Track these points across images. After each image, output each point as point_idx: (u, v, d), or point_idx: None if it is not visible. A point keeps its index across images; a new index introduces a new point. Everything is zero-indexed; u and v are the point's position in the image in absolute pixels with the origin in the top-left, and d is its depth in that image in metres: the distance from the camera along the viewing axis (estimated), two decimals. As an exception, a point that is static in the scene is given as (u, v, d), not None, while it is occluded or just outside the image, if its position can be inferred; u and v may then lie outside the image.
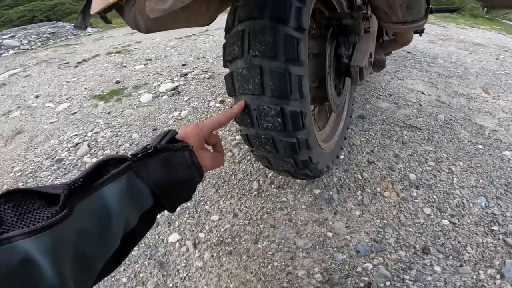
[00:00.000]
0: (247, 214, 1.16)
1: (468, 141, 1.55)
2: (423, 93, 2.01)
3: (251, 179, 1.30)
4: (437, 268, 0.98)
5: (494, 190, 1.26)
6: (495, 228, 1.10)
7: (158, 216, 1.07)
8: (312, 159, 0.89)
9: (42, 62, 3.15)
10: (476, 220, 1.13)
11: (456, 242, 1.05)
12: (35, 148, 1.64)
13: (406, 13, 0.80)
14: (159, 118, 1.74)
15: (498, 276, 0.95)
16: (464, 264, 0.99)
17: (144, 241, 1.09)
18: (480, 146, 1.52)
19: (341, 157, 1.38)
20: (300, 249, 1.04)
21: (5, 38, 5.10)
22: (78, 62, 2.96)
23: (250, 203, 1.20)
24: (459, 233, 1.08)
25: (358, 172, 1.32)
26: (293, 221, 1.13)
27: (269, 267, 0.99)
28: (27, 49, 4.43)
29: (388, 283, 0.95)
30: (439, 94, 2.01)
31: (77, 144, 1.61)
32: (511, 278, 0.95)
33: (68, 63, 3.00)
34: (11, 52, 4.43)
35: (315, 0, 0.84)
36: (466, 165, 1.39)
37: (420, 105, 1.84)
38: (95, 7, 0.63)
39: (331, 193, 1.22)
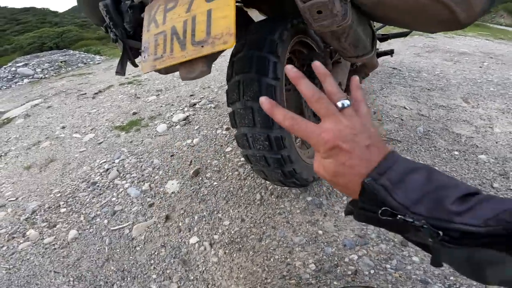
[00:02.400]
0: (252, 219, 1.39)
1: (444, 149, 1.73)
2: (405, 108, 2.22)
3: (255, 191, 1.54)
4: (415, 259, 1.16)
5: (467, 190, 1.42)
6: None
7: (180, 224, 1.37)
8: (296, 170, 1.14)
9: (60, 93, 3.40)
10: (449, 217, 1.29)
11: (432, 237, 1.22)
12: (69, 174, 1.87)
13: (355, 50, 1.02)
14: (175, 146, 2.00)
15: None
16: None
17: (169, 244, 1.33)
18: (456, 153, 1.70)
19: (329, 169, 1.57)
20: (297, 245, 1.26)
21: (19, 66, 5.30)
22: (95, 93, 3.22)
23: (254, 210, 1.43)
24: (433, 229, 1.25)
25: (343, 181, 1.50)
26: (290, 223, 1.35)
27: (272, 259, 1.22)
28: (41, 77, 4.63)
29: (372, 271, 1.14)
30: (420, 108, 2.21)
31: (107, 169, 1.86)
32: None
33: (85, 94, 3.26)
34: (25, 81, 4.62)
35: (289, 49, 1.12)
36: (441, 170, 1.56)
37: (402, 120, 2.05)
38: (144, 69, 0.89)
39: (321, 199, 1.43)
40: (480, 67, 3.31)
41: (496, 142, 1.79)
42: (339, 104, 0.42)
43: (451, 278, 1.08)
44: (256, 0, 1.32)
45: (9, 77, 4.98)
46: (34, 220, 1.56)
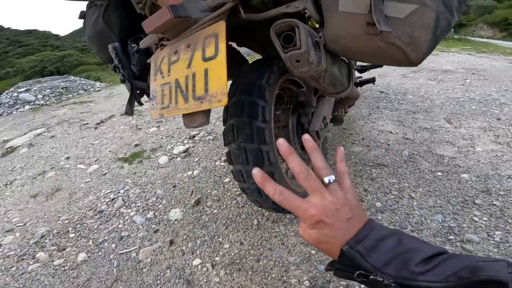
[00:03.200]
0: (250, 242, 1.48)
1: (428, 170, 1.84)
2: (391, 132, 2.34)
3: (252, 217, 1.63)
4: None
5: (450, 207, 1.53)
6: (451, 237, 1.36)
7: (184, 247, 1.45)
8: None
9: (63, 122, 3.49)
10: (434, 232, 1.39)
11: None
12: (76, 203, 1.95)
13: (333, 88, 1.12)
14: (176, 177, 2.10)
15: None
16: None
17: (174, 266, 1.41)
18: (439, 173, 1.80)
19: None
20: (292, 264, 1.34)
21: (21, 92, 5.34)
22: (97, 123, 3.32)
23: (252, 234, 1.52)
24: (420, 246, 1.33)
25: (334, 204, 1.59)
26: (285, 244, 1.44)
27: (269, 278, 1.29)
28: (42, 104, 4.64)
29: (363, 286, 1.19)
30: (406, 131, 2.34)
31: (113, 199, 1.95)
32: None
33: (87, 124, 3.36)
34: (27, 107, 4.63)
35: (277, 89, 1.25)
36: (425, 190, 1.66)
37: (388, 145, 2.16)
38: (153, 116, 1.02)
39: (313, 223, 1.50)
40: (463, 84, 3.43)
41: (478, 161, 1.90)
42: (326, 180, 0.49)
43: None
44: (247, 42, 1.44)
45: (10, 103, 5.01)
46: (44, 243, 1.62)
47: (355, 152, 2.11)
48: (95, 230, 1.70)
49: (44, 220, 1.81)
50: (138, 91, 1.36)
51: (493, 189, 1.63)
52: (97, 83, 7.01)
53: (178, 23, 0.88)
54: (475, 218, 1.44)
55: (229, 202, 1.77)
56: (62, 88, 5.65)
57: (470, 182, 1.70)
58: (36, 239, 1.66)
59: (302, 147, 1.48)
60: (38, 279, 1.43)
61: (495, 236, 1.33)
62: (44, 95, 5.30)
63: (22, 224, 1.80)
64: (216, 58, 0.84)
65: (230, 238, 1.52)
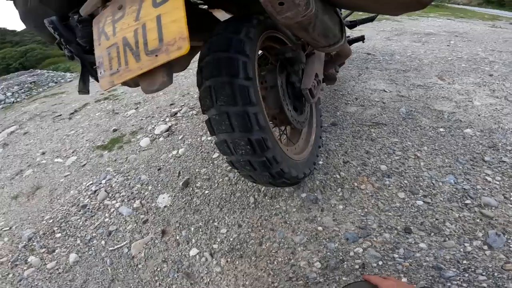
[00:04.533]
0: (249, 223, 1.31)
1: (430, 127, 1.68)
2: (385, 91, 2.16)
3: (248, 195, 1.44)
4: (422, 245, 1.09)
5: (460, 167, 1.37)
6: (468, 202, 1.21)
7: (177, 237, 1.29)
8: (283, 170, 1.06)
9: (35, 117, 3.19)
10: (448, 197, 1.24)
11: (434, 219, 1.16)
12: (58, 199, 1.76)
13: (325, 40, 0.96)
14: (161, 159, 1.87)
15: (486, 247, 1.05)
16: (447, 239, 1.09)
17: (170, 258, 1.26)
18: (441, 129, 1.65)
19: (320, 162, 1.51)
20: (298, 244, 1.18)
21: None
22: (71, 113, 3.02)
23: (250, 214, 1.34)
24: (435, 211, 1.19)
25: (336, 172, 1.44)
26: (288, 222, 1.27)
27: (275, 262, 1.14)
28: (13, 102, 4.34)
29: (380, 263, 1.07)
30: (399, 89, 2.17)
31: (95, 191, 1.75)
32: (500, 248, 1.03)
33: (61, 115, 3.06)
34: None
35: (259, 46, 1.06)
36: (430, 149, 1.51)
37: (384, 103, 1.98)
38: (103, 86, 0.82)
39: (315, 194, 1.35)
40: (448, 45, 3.31)
41: (479, 115, 1.75)
42: None
43: (464, 261, 1.02)
44: (220, 2, 1.22)
45: (-21, 105, 4.60)
46: (33, 246, 1.48)
47: (350, 113, 1.93)
48: (81, 227, 1.53)
49: (29, 221, 1.65)
50: (94, 67, 1.14)
51: (500, 144, 1.49)
52: (68, 74, 6.53)
53: None
54: (488, 178, 1.30)
55: (220, 180, 1.57)
56: (31, 83, 5.22)
57: (475, 137, 1.56)
58: (24, 242, 1.51)
59: (295, 108, 1.29)
60: (36, 285, 1.31)
61: (511, 198, 1.20)
62: (13, 92, 4.87)
63: (8, 228, 1.65)
64: (170, 0, 0.68)
65: (226, 221, 1.34)
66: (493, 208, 1.16)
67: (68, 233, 1.51)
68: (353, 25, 2.14)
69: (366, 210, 1.24)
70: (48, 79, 5.64)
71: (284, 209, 1.32)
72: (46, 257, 1.42)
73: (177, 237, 1.33)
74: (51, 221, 1.61)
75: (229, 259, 1.19)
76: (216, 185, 1.54)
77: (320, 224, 1.23)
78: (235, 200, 1.43)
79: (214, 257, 1.21)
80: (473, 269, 0.99)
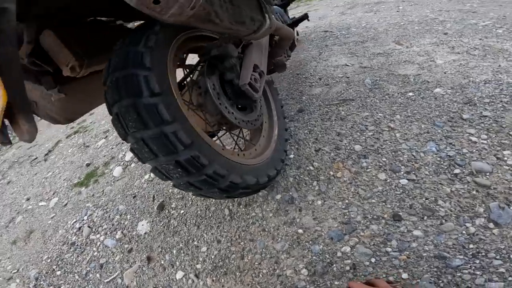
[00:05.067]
0: (228, 237, 1.06)
1: (398, 93, 1.41)
2: (347, 65, 1.86)
3: (222, 207, 1.17)
4: (417, 233, 0.84)
5: (439, 131, 1.11)
6: (457, 171, 0.94)
7: (162, 261, 1.11)
8: (234, 181, 0.81)
9: (14, 164, 2.88)
10: (434, 169, 0.98)
11: (424, 199, 0.90)
12: (50, 240, 1.58)
13: (244, 27, 0.71)
14: (135, 185, 1.60)
15: (491, 225, 0.78)
16: (444, 221, 0.83)
17: (160, 284, 1.06)
18: (410, 94, 1.38)
19: (291, 156, 1.23)
20: (280, 252, 0.94)
21: None
22: (46, 154, 2.70)
23: (227, 228, 1.09)
24: (422, 189, 0.93)
25: (309, 164, 1.17)
26: (266, 230, 1.01)
27: (260, 275, 0.92)
28: None
29: (373, 260, 0.81)
30: (361, 61, 1.87)
31: (79, 228, 1.54)
32: (509, 224, 0.77)
33: (36, 158, 2.74)
34: None
35: (173, 52, 0.81)
36: (404, 117, 1.24)
37: (348, 77, 1.69)
38: None
39: (290, 193, 1.08)
40: (397, 11, 2.96)
41: (445, 73, 1.46)
42: None
43: (471, 246, 0.75)
44: (103, 12, 0.91)
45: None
46: (41, 285, 1.33)
47: (316, 95, 1.63)
48: (76, 263, 1.32)
49: (31, 263, 1.49)
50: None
51: (475, 98, 1.21)
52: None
53: None
54: (473, 138, 1.03)
55: (193, 197, 1.28)
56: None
57: (447, 96, 1.28)
58: (34, 282, 1.36)
59: (243, 108, 1.00)
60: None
61: (505, 158, 0.92)
62: None
63: (16, 270, 1.50)
64: None
65: (205, 239, 1.09)
66: (487, 174, 0.89)
67: (66, 270, 1.33)
68: (285, 3, 1.81)
69: (347, 201, 0.97)
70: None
71: (261, 215, 1.05)
72: (55, 294, 1.25)
73: (162, 262, 1.10)
74: (49, 260, 1.44)
75: (214, 278, 0.97)
76: (190, 203, 1.25)
77: (300, 226, 0.96)
78: (210, 215, 1.15)
79: (200, 277, 0.99)
80: (483, 253, 0.73)
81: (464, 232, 0.78)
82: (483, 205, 0.82)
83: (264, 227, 1.01)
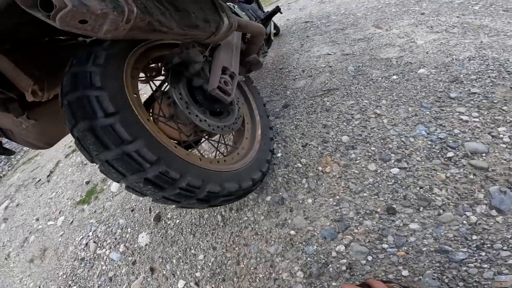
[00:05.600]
0: (222, 243, 0.97)
1: (382, 78, 1.28)
2: (329, 54, 1.72)
3: (215, 214, 1.07)
4: (414, 226, 0.72)
5: (428, 113, 0.98)
6: (450, 154, 0.82)
7: (164, 271, 1.04)
8: (212, 191, 0.72)
9: (20, 188, 2.80)
10: (426, 154, 0.85)
11: (418, 188, 0.78)
12: (63, 257, 1.54)
13: (199, 30, 0.60)
14: (132, 199, 1.51)
15: (494, 212, 0.67)
16: (442, 211, 0.71)
17: None
18: (395, 77, 1.25)
19: (279, 155, 1.10)
20: (274, 255, 0.84)
21: None
22: (48, 176, 2.62)
23: (221, 234, 0.99)
24: (416, 177, 0.81)
25: (297, 161, 1.05)
26: (259, 233, 0.91)
27: (257, 280, 0.83)
28: (0, 177, 3.86)
29: (369, 258, 0.71)
30: (342, 48, 1.72)
31: (86, 243, 1.49)
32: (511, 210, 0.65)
33: (40, 180, 2.65)
34: None
35: (132, 65, 0.70)
36: (389, 101, 1.12)
37: (330, 67, 1.55)
38: None
39: (280, 193, 0.97)
40: (374, -6, 2.80)
41: (427, 53, 1.32)
42: None
43: (474, 237, 0.64)
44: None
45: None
46: None
47: (300, 88, 1.49)
48: (88, 278, 1.27)
49: (50, 279, 1.46)
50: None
51: (461, 75, 1.08)
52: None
53: None
54: (464, 117, 0.90)
55: (186, 206, 1.20)
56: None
57: (432, 75, 1.14)
58: None
59: (219, 112, 0.88)
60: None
61: (501, 135, 0.80)
62: None
63: (38, 287, 1.47)
64: None
65: (201, 246, 0.99)
66: (483, 155, 0.76)
67: (81, 285, 1.27)
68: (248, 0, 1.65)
69: (337, 197, 0.86)
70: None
71: (252, 219, 0.94)
72: (75, 309, 1.20)
73: (164, 272, 1.02)
74: (64, 276, 1.39)
75: (213, 285, 0.89)
76: (184, 212, 1.15)
77: (292, 227, 0.85)
78: (204, 222, 1.05)
79: (200, 285, 0.91)
80: (489, 245, 0.62)
81: (465, 222, 0.67)
82: (483, 190, 0.70)
83: (257, 230, 0.91)
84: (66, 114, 0.58)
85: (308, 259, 0.77)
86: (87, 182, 1.98)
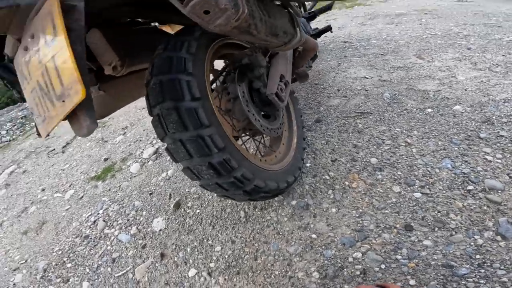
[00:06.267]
0: (242, 238, 1.15)
1: (417, 109, 1.49)
2: (366, 77, 1.95)
3: (238, 209, 1.26)
4: (427, 243, 0.91)
5: (456, 148, 1.18)
6: (470, 187, 1.02)
7: (175, 258, 1.20)
8: (258, 185, 0.90)
9: (31, 154, 3.01)
10: (448, 184, 1.05)
11: (436, 212, 0.98)
12: (63, 232, 1.67)
13: (277, 39, 0.80)
14: (152, 183, 1.71)
15: (499, 238, 0.86)
16: (454, 233, 0.91)
17: (172, 280, 1.13)
18: (429, 110, 1.45)
19: (308, 164, 1.32)
20: (293, 255, 1.02)
21: None
22: (63, 147, 2.83)
23: (242, 229, 1.18)
24: (435, 203, 1.01)
25: (325, 173, 1.25)
26: (281, 233, 1.10)
27: (272, 276, 0.99)
28: (9, 140, 4.00)
29: (382, 266, 0.89)
30: (380, 74, 1.96)
31: (94, 221, 1.63)
32: None
33: (54, 149, 2.86)
34: None
35: (210, 58, 0.90)
36: (421, 133, 1.32)
37: (366, 90, 1.78)
38: (42, 134, 0.66)
39: (306, 200, 1.17)
40: (420, 24, 3.05)
41: (465, 90, 1.54)
42: None
43: (477, 256, 0.83)
44: (149, 15, 1.01)
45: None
46: (49, 277, 1.40)
47: (333, 106, 1.72)
48: (87, 256, 1.41)
49: (41, 254, 1.57)
50: None
51: (494, 117, 1.28)
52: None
53: (8, 15, 0.59)
54: (488, 157, 1.10)
55: (210, 197, 1.39)
56: (22, 118, 4.72)
57: (466, 113, 1.35)
58: (41, 273, 1.43)
59: (267, 115, 1.10)
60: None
61: None
62: (7, 130, 4.40)
63: (24, 261, 1.58)
64: (56, 39, 0.54)
65: (220, 238, 1.18)
66: (499, 191, 0.97)
67: (77, 262, 1.41)
68: (312, 16, 1.92)
69: (360, 210, 1.06)
70: (38, 111, 5.24)
71: (276, 219, 1.14)
72: (62, 286, 1.33)
73: (175, 259, 1.19)
74: (60, 252, 1.52)
75: (226, 277, 1.05)
76: (206, 203, 1.36)
77: (314, 231, 1.05)
78: (226, 216, 1.25)
79: (212, 276, 1.07)
80: (489, 264, 0.80)
81: (472, 243, 0.85)
82: (493, 219, 0.89)
83: (279, 230, 1.10)
84: (153, 92, 0.77)
85: (326, 261, 0.96)
86: (106, 159, 2.19)
